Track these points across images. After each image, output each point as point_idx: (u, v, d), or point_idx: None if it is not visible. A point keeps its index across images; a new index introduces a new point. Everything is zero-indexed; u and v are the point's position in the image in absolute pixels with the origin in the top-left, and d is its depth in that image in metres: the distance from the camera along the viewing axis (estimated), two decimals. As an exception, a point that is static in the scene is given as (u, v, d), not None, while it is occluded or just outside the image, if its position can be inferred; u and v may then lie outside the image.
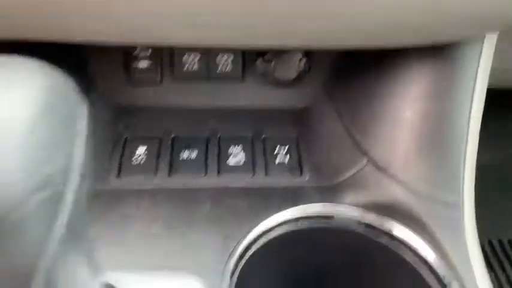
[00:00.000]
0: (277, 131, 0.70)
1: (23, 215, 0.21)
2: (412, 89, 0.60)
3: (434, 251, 0.55)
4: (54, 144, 0.23)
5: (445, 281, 0.52)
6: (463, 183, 0.58)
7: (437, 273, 0.53)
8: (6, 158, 0.20)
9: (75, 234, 0.26)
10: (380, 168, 0.61)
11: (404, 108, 0.61)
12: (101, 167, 0.63)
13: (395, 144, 0.61)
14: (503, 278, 1.10)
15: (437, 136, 0.59)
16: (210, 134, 0.69)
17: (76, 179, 0.25)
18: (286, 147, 0.68)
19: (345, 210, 0.58)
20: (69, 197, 0.24)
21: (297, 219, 0.57)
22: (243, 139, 0.69)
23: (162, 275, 0.50)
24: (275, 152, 0.68)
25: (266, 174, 0.65)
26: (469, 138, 0.59)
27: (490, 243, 1.15)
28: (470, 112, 0.59)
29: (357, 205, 0.59)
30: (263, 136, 0.70)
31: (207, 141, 0.68)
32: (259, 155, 0.67)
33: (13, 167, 0.20)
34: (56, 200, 0.23)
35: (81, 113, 0.26)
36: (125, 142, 0.67)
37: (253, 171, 0.65)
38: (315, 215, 0.57)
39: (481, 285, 0.52)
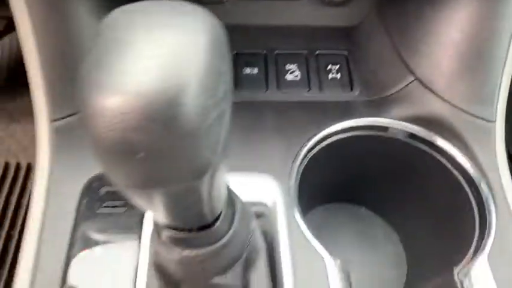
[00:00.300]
0: (329, 48, 0.77)
1: (207, 125, 0.30)
2: (460, 11, 0.66)
3: (468, 158, 0.64)
4: (223, 72, 0.31)
5: (476, 181, 0.63)
6: (498, 101, 0.66)
7: (470, 175, 0.63)
8: (195, 79, 0.28)
9: (227, 144, 0.35)
10: (425, 86, 0.68)
11: (451, 29, 0.66)
12: None
13: (441, 64, 0.67)
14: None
15: (479, 57, 0.66)
16: (268, 51, 0.76)
17: (231, 101, 0.33)
18: (338, 64, 0.75)
19: (394, 123, 0.67)
20: (228, 114, 0.33)
21: (351, 129, 0.66)
22: (298, 56, 0.76)
23: (239, 174, 0.60)
24: (327, 68, 0.75)
25: (320, 89, 0.73)
26: (508, 60, 0.66)
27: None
28: (511, 37, 0.65)
29: (403, 119, 0.68)
30: (316, 53, 0.77)
31: (266, 58, 0.76)
32: (313, 72, 0.74)
33: (200, 88, 0.29)
34: (222, 116, 0.32)
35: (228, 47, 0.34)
36: None
37: (309, 87, 0.73)
38: (370, 124, 0.66)
39: (506, 186, 0.62)
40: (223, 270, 0.46)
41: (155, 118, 0.27)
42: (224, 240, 0.43)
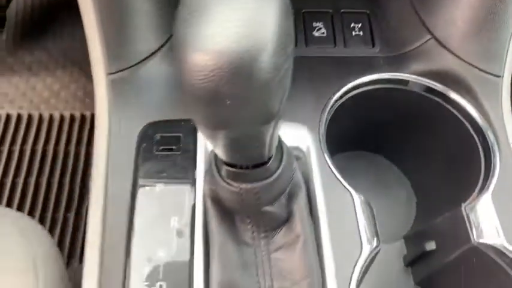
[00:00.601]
0: (352, 7, 0.83)
1: (279, 78, 0.38)
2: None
3: (476, 109, 0.72)
4: (290, 33, 0.38)
5: (483, 130, 0.71)
6: (506, 59, 0.73)
7: (478, 124, 0.72)
8: (271, 41, 0.35)
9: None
10: (440, 44, 0.75)
11: (467, -10, 0.73)
12: None
13: (456, 23, 0.74)
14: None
15: (491, 17, 0.72)
16: (296, 10, 0.82)
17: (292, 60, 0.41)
18: (360, 22, 0.82)
19: (413, 77, 0.74)
20: (290, 70, 0.40)
21: (375, 82, 0.74)
22: (324, 15, 0.82)
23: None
24: (351, 26, 0.82)
25: (345, 45, 0.80)
26: (518, 21, 0.72)
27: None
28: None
29: (420, 73, 0.75)
30: (341, 11, 0.83)
31: (294, 16, 0.82)
32: (338, 29, 0.81)
33: (275, 48, 0.36)
34: (288, 70, 0.39)
35: None
36: None
37: (334, 43, 0.80)
38: (392, 78, 0.74)
39: (510, 134, 0.70)
40: (272, 201, 0.55)
41: (242, 73, 0.35)
42: (275, 175, 0.52)
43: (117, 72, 0.69)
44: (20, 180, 1.50)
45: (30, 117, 1.63)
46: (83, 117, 1.64)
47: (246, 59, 0.35)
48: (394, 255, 0.80)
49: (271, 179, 0.51)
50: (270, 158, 0.50)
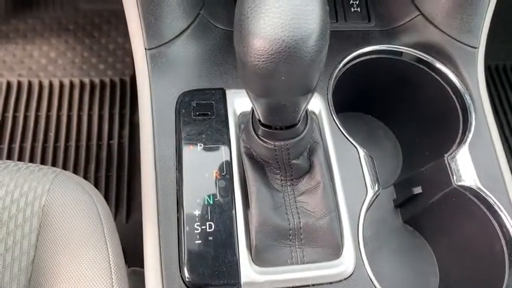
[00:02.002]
0: None
1: (321, 58, 0.50)
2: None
3: (456, 75, 0.87)
4: (328, 20, 0.50)
5: (461, 93, 0.85)
6: (481, 32, 0.87)
7: (457, 88, 0.86)
8: (316, 29, 0.47)
9: None
10: (427, 19, 0.88)
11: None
12: None
13: (440, 1, 0.87)
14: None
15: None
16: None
17: None
18: (358, 0, 0.94)
19: (405, 49, 0.87)
20: (326, 51, 0.52)
21: (374, 52, 0.87)
22: None
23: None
24: (350, 3, 0.93)
25: (345, 20, 0.92)
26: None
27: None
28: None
29: (409, 45, 0.88)
30: None
31: None
32: (339, 5, 0.93)
33: (319, 35, 0.47)
34: (326, 51, 0.51)
35: None
36: None
37: (336, 19, 0.91)
38: (388, 49, 0.87)
39: (483, 96, 0.85)
40: (299, 155, 0.68)
41: (295, 55, 0.47)
42: (302, 134, 0.64)
43: (155, 48, 0.79)
44: (27, 146, 1.58)
45: (30, 84, 1.69)
46: (82, 83, 1.71)
47: (298, 44, 0.47)
48: (385, 198, 0.95)
49: (299, 137, 0.64)
50: (299, 121, 0.63)
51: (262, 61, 0.48)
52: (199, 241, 0.67)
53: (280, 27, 0.46)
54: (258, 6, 0.47)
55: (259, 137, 0.65)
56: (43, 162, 1.57)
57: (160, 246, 0.67)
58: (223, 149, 0.74)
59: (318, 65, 0.51)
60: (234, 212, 0.69)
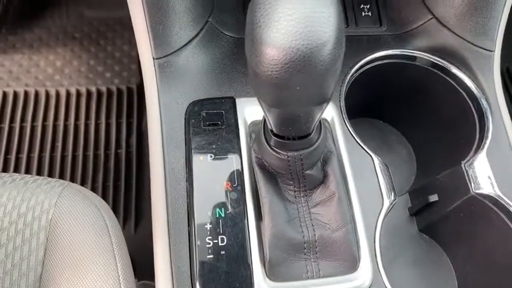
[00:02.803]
0: None
1: (336, 67, 0.48)
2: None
3: (472, 80, 0.84)
4: (343, 28, 0.48)
5: (477, 98, 0.83)
6: (497, 35, 0.84)
7: (473, 93, 0.83)
8: (331, 38, 0.45)
9: None
10: (440, 22, 0.86)
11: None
12: None
13: (454, 4, 0.84)
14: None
15: (485, -2, 0.83)
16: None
17: None
18: (368, 3, 0.92)
19: (419, 53, 0.85)
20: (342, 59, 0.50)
21: (386, 57, 0.85)
22: None
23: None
24: (361, 7, 0.91)
25: (356, 25, 0.89)
26: (507, 1, 0.83)
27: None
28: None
29: (422, 49, 0.86)
30: None
31: None
32: (350, 10, 0.91)
33: (334, 44, 0.45)
34: (341, 60, 0.49)
35: None
36: None
37: (347, 23, 0.89)
38: (401, 53, 0.85)
39: (500, 101, 0.82)
40: (312, 165, 0.66)
41: (310, 64, 0.45)
42: (316, 144, 0.62)
43: (163, 57, 0.77)
44: (35, 156, 1.57)
45: (37, 94, 1.69)
46: (88, 92, 1.70)
47: (313, 53, 0.45)
48: (400, 206, 0.92)
49: (313, 147, 0.62)
50: (313, 130, 0.61)
51: (276, 71, 0.46)
52: (211, 255, 0.65)
53: (294, 36, 0.44)
54: (270, 14, 0.45)
55: (271, 148, 0.64)
56: (50, 172, 1.55)
57: (171, 261, 0.65)
58: (234, 159, 0.72)
59: (333, 74, 0.49)
60: (246, 224, 0.67)
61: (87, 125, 1.65)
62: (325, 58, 0.45)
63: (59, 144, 1.58)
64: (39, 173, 1.55)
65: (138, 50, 0.78)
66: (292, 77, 0.46)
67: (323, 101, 0.52)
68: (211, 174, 0.71)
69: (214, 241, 0.66)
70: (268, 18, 0.45)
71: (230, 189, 0.70)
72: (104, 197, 1.52)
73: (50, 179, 0.79)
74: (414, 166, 1.01)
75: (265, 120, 0.62)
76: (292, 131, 0.59)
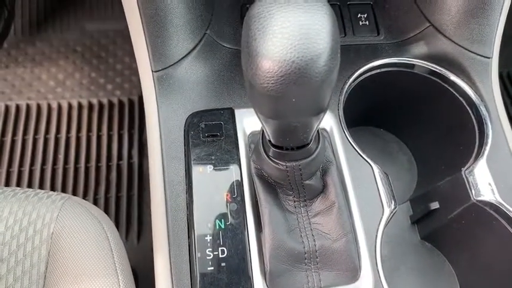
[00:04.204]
0: None
1: (332, 78, 0.48)
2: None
3: (470, 87, 0.84)
4: (338, 40, 0.48)
5: (476, 104, 0.83)
6: (494, 42, 0.85)
7: (472, 100, 0.83)
8: (326, 50, 0.45)
9: None
10: (438, 30, 0.86)
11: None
12: None
13: (450, 11, 0.85)
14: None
15: (482, 6, 0.83)
16: None
17: None
18: (366, 13, 0.92)
19: (417, 61, 0.85)
20: (337, 70, 0.50)
21: (385, 65, 0.85)
22: (332, 7, 0.91)
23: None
24: (358, 16, 0.92)
25: (353, 34, 0.90)
26: (504, 5, 0.83)
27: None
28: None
29: (420, 57, 0.86)
30: (348, 3, 0.93)
31: None
32: (347, 20, 0.91)
33: (329, 55, 0.45)
34: (337, 71, 0.49)
35: None
36: None
37: (344, 33, 0.90)
38: (399, 62, 0.85)
39: (499, 107, 0.82)
40: (311, 175, 0.66)
41: (305, 76, 0.45)
42: (314, 154, 0.62)
43: (162, 70, 0.78)
44: (37, 169, 1.58)
45: (39, 107, 1.70)
46: (90, 104, 1.71)
47: (308, 65, 0.45)
48: (401, 214, 0.92)
49: (312, 156, 0.62)
50: (311, 140, 0.61)
51: (272, 83, 0.46)
52: (212, 267, 0.65)
53: (289, 48, 0.44)
54: (265, 28, 0.45)
55: (270, 158, 0.64)
56: (53, 184, 1.56)
57: (171, 274, 0.65)
58: (234, 170, 0.72)
59: (329, 85, 0.49)
60: (246, 236, 0.67)
61: (89, 137, 1.65)
62: (320, 70, 0.46)
63: (61, 156, 1.59)
64: (41, 185, 1.56)
65: (137, 63, 0.79)
66: (288, 89, 0.46)
67: (319, 111, 0.52)
68: (211, 186, 0.71)
69: (215, 253, 0.66)
70: (264, 32, 0.45)
71: (230, 200, 0.70)
72: (106, 208, 1.52)
73: (51, 192, 0.79)
74: (415, 174, 1.01)
75: (263, 131, 0.63)
76: (290, 142, 0.59)
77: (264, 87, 0.47)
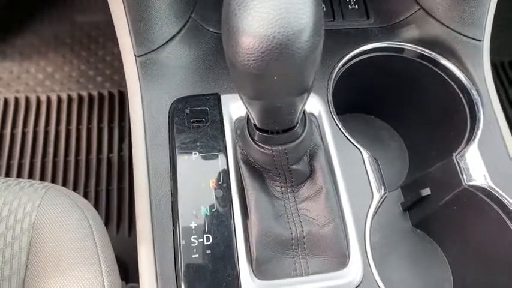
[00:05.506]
0: None
1: (315, 55, 0.46)
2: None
3: (461, 70, 0.83)
4: (322, 16, 0.46)
5: (468, 88, 0.81)
6: (486, 24, 0.83)
7: (463, 84, 0.82)
8: (309, 25, 0.43)
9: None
10: (428, 13, 0.85)
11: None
12: None
13: (441, -6, 0.83)
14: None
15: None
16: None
17: None
18: (355, -4, 0.90)
19: (407, 45, 0.84)
20: (321, 48, 0.49)
21: (374, 50, 0.83)
22: None
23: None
24: (347, 0, 0.90)
25: (343, 18, 0.88)
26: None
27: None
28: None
29: (411, 41, 0.84)
30: None
31: None
32: (336, 4, 0.89)
33: (312, 31, 0.43)
34: (321, 48, 0.48)
35: None
36: None
37: (333, 17, 0.88)
38: (389, 46, 0.83)
39: (490, 91, 0.81)
40: (298, 160, 0.64)
41: (287, 53, 0.43)
42: (301, 138, 0.61)
43: (145, 54, 0.76)
44: (26, 162, 1.56)
45: (28, 100, 1.67)
46: (80, 97, 1.69)
47: (290, 41, 0.43)
48: (392, 202, 0.90)
49: (298, 140, 0.61)
50: (297, 123, 0.59)
51: (253, 60, 0.44)
52: (197, 255, 0.63)
53: (270, 23, 0.43)
54: (246, 2, 0.44)
55: (255, 143, 0.62)
56: (42, 177, 1.54)
57: (155, 262, 0.63)
58: (220, 156, 0.70)
59: (312, 63, 0.47)
60: (232, 222, 0.66)
61: (78, 130, 1.63)
62: (302, 46, 0.44)
63: (51, 149, 1.57)
64: (30, 178, 1.54)
65: (120, 48, 0.77)
66: (269, 67, 0.44)
67: (303, 91, 0.50)
68: (196, 173, 0.69)
69: (200, 240, 0.64)
70: (244, 6, 0.44)
71: (216, 187, 0.68)
72: (97, 202, 1.50)
73: (33, 181, 0.77)
74: (406, 161, 0.99)
75: (248, 115, 0.61)
76: (275, 124, 0.58)
77: (245, 65, 0.45)
